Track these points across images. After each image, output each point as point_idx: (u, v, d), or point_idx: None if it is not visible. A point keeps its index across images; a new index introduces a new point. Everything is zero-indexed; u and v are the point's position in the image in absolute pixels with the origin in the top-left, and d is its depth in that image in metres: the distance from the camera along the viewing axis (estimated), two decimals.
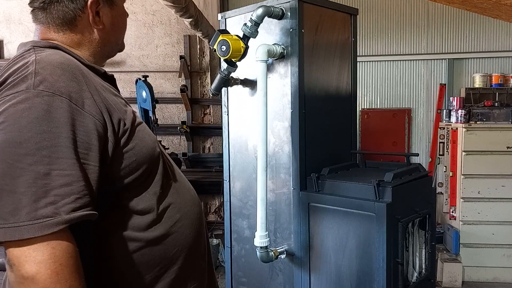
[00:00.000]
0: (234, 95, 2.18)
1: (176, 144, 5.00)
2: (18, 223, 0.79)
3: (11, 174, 0.81)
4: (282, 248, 2.01)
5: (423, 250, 1.98)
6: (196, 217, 1.15)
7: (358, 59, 2.32)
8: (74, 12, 1.03)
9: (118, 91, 1.11)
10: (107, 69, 1.12)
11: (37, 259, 0.80)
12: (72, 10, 1.02)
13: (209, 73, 4.98)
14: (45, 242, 0.81)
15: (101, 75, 1.05)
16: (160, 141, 4.02)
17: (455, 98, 4.30)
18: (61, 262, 0.82)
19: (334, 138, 2.16)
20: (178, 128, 4.68)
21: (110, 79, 1.10)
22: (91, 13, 1.04)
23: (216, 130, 4.89)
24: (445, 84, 4.80)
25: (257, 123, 1.87)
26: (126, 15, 1.16)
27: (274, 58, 1.94)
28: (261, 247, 1.88)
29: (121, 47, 1.19)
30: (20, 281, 0.81)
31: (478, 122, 3.96)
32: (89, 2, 1.02)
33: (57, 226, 0.81)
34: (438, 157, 4.45)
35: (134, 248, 1.00)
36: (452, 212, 3.99)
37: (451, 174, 4.00)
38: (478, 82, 4.53)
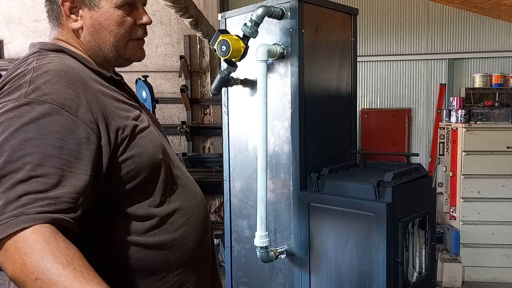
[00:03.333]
0: (234, 95, 2.18)
1: (176, 144, 5.00)
2: None
3: None
4: (282, 248, 2.01)
5: (423, 250, 1.98)
6: (201, 222, 1.13)
7: (358, 59, 2.32)
8: (57, 10, 1.05)
9: (128, 93, 1.10)
10: None
11: (6, 258, 0.78)
12: (55, 8, 1.05)
13: (209, 73, 4.98)
14: (11, 240, 0.77)
15: (107, 80, 1.04)
16: None
17: (455, 98, 4.30)
18: (26, 252, 0.77)
19: (334, 138, 2.16)
20: (178, 128, 4.68)
21: (117, 83, 1.08)
22: (63, 10, 1.04)
23: (216, 130, 4.89)
24: (445, 84, 4.80)
25: (257, 123, 1.87)
26: (121, 20, 1.06)
27: (274, 58, 1.94)
28: (261, 247, 1.89)
29: (127, 55, 1.10)
30: (13, 282, 0.81)
31: (478, 122, 3.96)
32: (59, 0, 1.03)
33: (21, 224, 0.77)
34: (438, 157, 4.45)
35: (133, 253, 0.99)
36: (452, 212, 3.99)
37: (451, 174, 4.00)
38: (478, 82, 4.53)
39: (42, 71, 0.91)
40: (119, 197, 0.97)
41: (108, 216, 0.97)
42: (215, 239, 4.30)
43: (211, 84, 2.14)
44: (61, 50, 1.01)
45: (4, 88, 0.90)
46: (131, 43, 1.10)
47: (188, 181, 1.16)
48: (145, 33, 1.12)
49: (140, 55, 1.13)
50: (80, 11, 1.04)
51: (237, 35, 1.86)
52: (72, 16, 1.04)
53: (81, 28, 1.05)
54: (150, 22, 1.11)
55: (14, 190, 0.80)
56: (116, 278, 0.98)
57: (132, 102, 1.06)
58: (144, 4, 1.13)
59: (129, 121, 0.98)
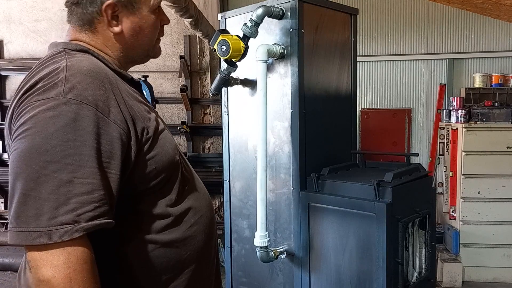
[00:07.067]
0: (234, 95, 2.18)
1: None
2: (39, 228, 0.82)
3: (36, 180, 0.83)
4: (282, 248, 2.01)
5: (423, 250, 1.98)
6: (209, 221, 1.17)
7: (358, 59, 2.32)
8: (92, 15, 1.04)
9: (143, 95, 1.12)
10: None
11: (53, 263, 0.83)
12: (90, 12, 1.04)
13: (209, 73, 4.97)
14: (61, 248, 0.83)
15: (128, 81, 1.07)
16: None
17: (455, 98, 4.30)
18: (75, 268, 0.84)
19: (334, 138, 2.16)
20: (178, 128, 4.67)
21: (136, 85, 1.11)
22: (106, 16, 1.04)
23: (216, 130, 4.89)
24: (445, 84, 4.80)
25: (257, 123, 1.87)
26: (155, 23, 1.13)
27: (274, 58, 1.94)
28: (261, 247, 1.89)
29: (153, 54, 1.18)
30: (36, 283, 0.84)
31: (478, 122, 3.96)
32: (103, 6, 1.03)
33: (75, 233, 0.84)
34: (438, 157, 4.45)
35: (149, 250, 1.02)
36: (452, 212, 3.99)
37: (451, 174, 4.00)
38: (478, 82, 4.53)
39: (75, 70, 0.92)
40: (139, 196, 1.01)
41: (125, 214, 0.99)
42: None
43: (211, 84, 2.14)
44: (85, 51, 1.02)
45: (38, 86, 0.90)
46: (156, 43, 1.18)
47: (198, 181, 1.20)
48: (163, 33, 1.20)
49: (160, 52, 1.21)
50: (119, 16, 1.06)
51: (237, 35, 1.86)
52: (113, 21, 1.05)
53: (121, 32, 1.07)
54: (169, 22, 1.19)
55: (62, 192, 0.83)
56: (129, 275, 1.01)
57: (149, 104, 1.10)
58: None
59: (150, 122, 1.01)
